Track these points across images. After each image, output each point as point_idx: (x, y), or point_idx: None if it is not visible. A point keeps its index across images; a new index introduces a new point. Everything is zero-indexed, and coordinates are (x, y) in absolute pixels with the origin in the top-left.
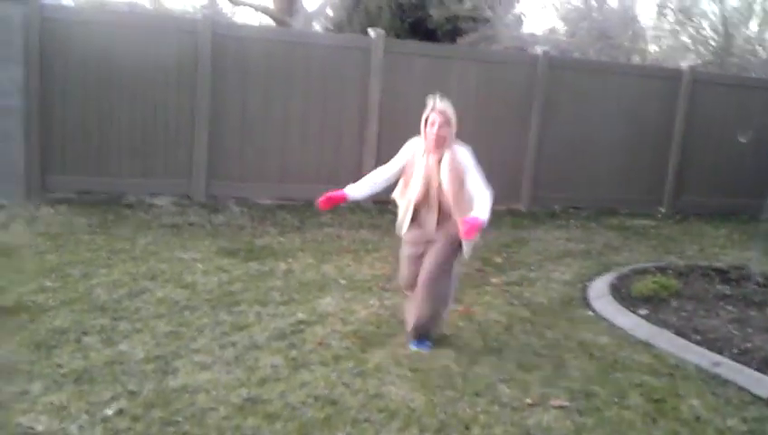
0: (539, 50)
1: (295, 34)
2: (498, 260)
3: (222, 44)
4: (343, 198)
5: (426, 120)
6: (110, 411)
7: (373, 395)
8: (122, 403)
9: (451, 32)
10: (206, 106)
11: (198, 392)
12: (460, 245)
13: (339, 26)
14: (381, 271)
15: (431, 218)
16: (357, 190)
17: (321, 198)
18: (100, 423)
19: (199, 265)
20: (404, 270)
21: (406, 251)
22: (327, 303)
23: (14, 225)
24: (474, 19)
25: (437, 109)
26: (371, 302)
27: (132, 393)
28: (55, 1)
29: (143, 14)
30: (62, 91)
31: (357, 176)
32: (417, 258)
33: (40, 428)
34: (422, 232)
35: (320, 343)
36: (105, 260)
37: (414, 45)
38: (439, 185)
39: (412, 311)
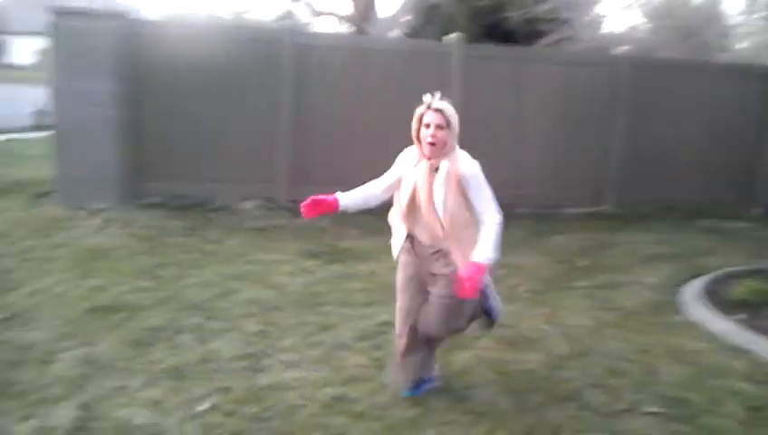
0: (621, 50)
1: (372, 41)
2: (584, 263)
3: (301, 53)
4: (334, 207)
5: (419, 122)
6: (203, 407)
7: (459, 397)
8: (215, 399)
9: (529, 34)
10: (288, 113)
11: (287, 390)
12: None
13: (415, 32)
14: None
15: (417, 231)
16: (349, 200)
17: (307, 202)
18: (194, 418)
19: (285, 267)
20: (400, 299)
21: (400, 275)
22: None
23: (111, 228)
24: (552, 20)
25: (433, 107)
26: None
27: (224, 390)
28: (142, 15)
29: (226, 26)
30: (153, 102)
31: None
32: (414, 282)
33: (138, 421)
34: (415, 258)
35: None
36: (196, 262)
37: (493, 49)
38: (431, 201)
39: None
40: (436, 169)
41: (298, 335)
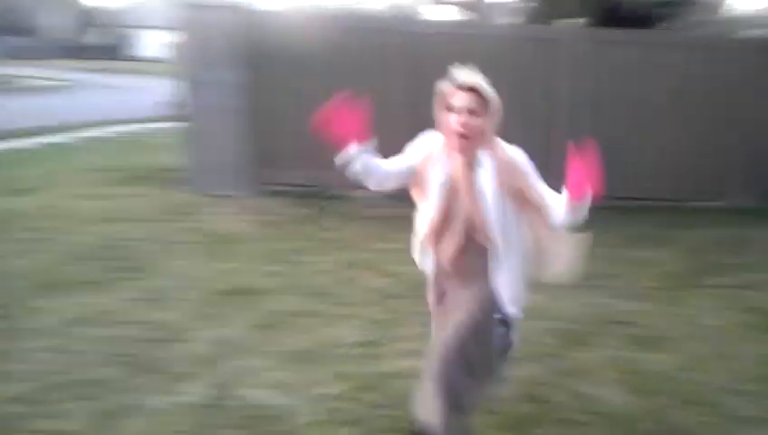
0: (751, 33)
1: (484, 27)
2: (717, 260)
3: (412, 41)
4: (357, 137)
5: (444, 104)
6: (326, 391)
7: (580, 396)
8: (337, 384)
9: (648, 18)
10: (399, 101)
11: (407, 379)
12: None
13: (532, 18)
14: (590, 266)
15: (447, 252)
16: (369, 156)
17: (331, 109)
18: (318, 401)
19: (402, 256)
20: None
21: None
22: (535, 298)
23: (239, 214)
24: (675, 3)
25: (462, 83)
26: (582, 299)
27: (346, 375)
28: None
29: (338, 16)
30: (272, 91)
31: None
32: (442, 316)
33: (266, 401)
34: (438, 273)
35: (526, 339)
36: (318, 248)
37: (613, 33)
38: (472, 202)
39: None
40: (471, 163)
41: (417, 325)
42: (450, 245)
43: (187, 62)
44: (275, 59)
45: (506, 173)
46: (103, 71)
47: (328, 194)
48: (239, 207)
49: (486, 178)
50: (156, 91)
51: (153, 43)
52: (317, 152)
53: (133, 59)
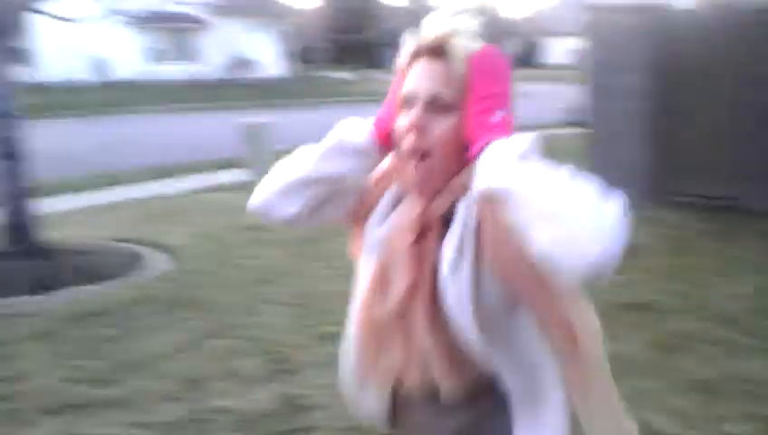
0: None
1: None
2: None
3: None
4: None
5: (397, 91)
6: (733, 429)
7: None
8: (745, 423)
9: None
10: None
11: None
12: None
13: None
14: None
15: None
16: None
17: None
18: None
19: None
20: None
21: None
22: None
23: (639, 225)
24: None
25: (422, 43)
26: None
27: (755, 415)
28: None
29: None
30: (680, 95)
31: None
32: None
33: (657, 426)
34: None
35: None
36: (724, 269)
37: None
38: (431, 307)
39: None
40: (443, 221)
41: None
42: (405, 377)
43: (592, 66)
44: (684, 61)
45: (500, 239)
46: (514, 79)
47: (742, 209)
48: (638, 217)
49: (453, 241)
50: (562, 97)
51: (562, 50)
52: (728, 162)
53: (543, 66)
